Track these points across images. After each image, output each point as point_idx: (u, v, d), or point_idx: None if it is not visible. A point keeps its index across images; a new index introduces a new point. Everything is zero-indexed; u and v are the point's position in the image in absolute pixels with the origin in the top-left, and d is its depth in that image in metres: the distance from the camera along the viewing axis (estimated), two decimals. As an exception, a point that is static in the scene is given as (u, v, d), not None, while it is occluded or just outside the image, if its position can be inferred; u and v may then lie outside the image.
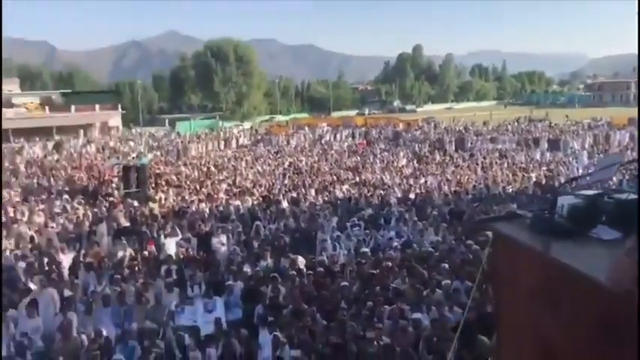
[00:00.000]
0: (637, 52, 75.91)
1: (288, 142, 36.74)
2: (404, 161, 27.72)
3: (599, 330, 1.97)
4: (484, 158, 27.19)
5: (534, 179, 20.52)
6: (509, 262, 2.64)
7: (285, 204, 17.44)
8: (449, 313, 8.09)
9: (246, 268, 10.91)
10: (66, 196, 19.20)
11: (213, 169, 25.81)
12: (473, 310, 7.21)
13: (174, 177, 23.48)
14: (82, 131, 48.27)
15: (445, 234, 13.16)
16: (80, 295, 9.86)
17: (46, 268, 11.17)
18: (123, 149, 33.43)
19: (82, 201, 18.61)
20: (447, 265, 10.00)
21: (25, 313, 8.78)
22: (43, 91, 67.98)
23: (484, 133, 37.17)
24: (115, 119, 57.45)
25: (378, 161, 27.80)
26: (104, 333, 8.31)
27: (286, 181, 22.39)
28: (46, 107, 56.35)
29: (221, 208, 16.92)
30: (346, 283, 9.68)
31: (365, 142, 36.65)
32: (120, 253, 12.26)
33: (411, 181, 21.45)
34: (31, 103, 56.94)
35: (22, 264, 11.44)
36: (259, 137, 39.74)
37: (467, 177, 21.94)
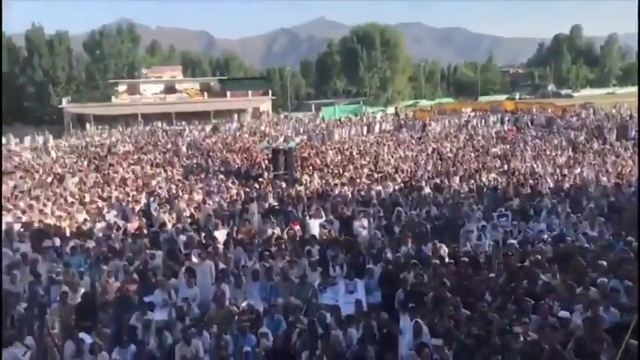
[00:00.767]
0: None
1: (423, 129, 35.02)
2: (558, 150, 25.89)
3: None
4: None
5: None
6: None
7: (427, 190, 17.21)
8: (604, 313, 7.52)
9: (387, 253, 10.97)
10: (221, 176, 20.87)
11: (355, 154, 26.19)
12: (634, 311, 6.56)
13: (318, 161, 24.25)
14: (235, 115, 51.93)
15: (602, 229, 12.48)
16: (232, 269, 10.61)
17: (204, 242, 12.18)
18: (273, 133, 35.21)
19: (235, 181, 20.07)
20: (603, 263, 9.28)
21: (184, 282, 9.70)
22: (203, 77, 73.32)
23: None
24: (266, 104, 60.46)
25: (528, 149, 26.39)
26: (254, 306, 8.89)
27: (429, 168, 22.05)
28: (205, 93, 61.00)
29: (362, 193, 17.17)
30: (492, 275, 9.40)
31: (515, 128, 34.50)
32: (269, 231, 13.05)
33: (565, 171, 20.44)
34: (192, 89, 61.88)
35: (182, 237, 12.66)
36: (402, 122, 39.29)
37: (629, 168, 20.33)
